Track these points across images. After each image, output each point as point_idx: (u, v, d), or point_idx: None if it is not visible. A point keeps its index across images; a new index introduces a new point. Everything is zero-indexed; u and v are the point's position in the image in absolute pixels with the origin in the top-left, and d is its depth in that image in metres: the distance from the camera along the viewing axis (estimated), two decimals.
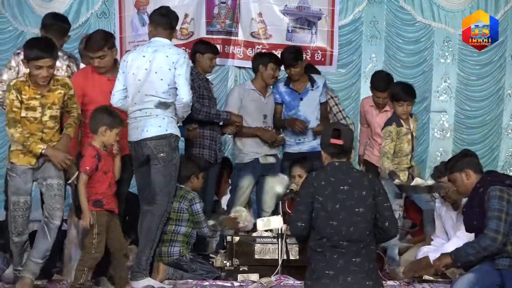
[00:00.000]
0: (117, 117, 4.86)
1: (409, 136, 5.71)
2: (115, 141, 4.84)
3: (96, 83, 5.20)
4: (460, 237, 5.03)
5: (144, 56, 5.16)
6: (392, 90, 5.88)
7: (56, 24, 5.49)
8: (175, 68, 5.10)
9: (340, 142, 4.06)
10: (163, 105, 5.09)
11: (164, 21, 5.25)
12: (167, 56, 5.11)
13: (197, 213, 5.32)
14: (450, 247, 4.82)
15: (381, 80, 6.26)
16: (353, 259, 3.94)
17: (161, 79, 5.10)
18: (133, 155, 5.20)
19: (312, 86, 6.28)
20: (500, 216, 4.28)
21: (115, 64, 5.30)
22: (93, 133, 4.86)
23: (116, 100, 5.23)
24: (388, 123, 5.75)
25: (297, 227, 4.08)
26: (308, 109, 6.24)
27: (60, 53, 5.21)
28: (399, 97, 5.74)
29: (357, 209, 3.99)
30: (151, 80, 5.11)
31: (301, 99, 6.26)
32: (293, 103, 6.26)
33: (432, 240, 5.58)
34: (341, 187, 4.01)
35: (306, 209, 4.02)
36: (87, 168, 4.70)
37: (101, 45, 5.14)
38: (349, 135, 4.17)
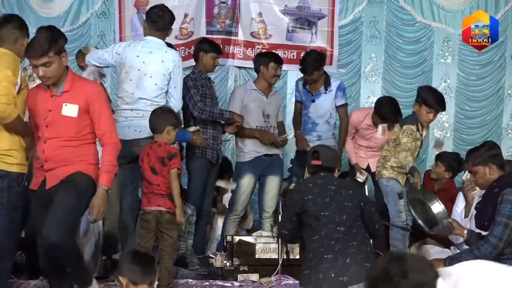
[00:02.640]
0: (178, 118, 5.03)
1: (418, 143, 5.59)
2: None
3: (39, 99, 4.15)
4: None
5: (138, 56, 5.21)
6: (426, 96, 5.55)
7: None
8: (170, 77, 5.20)
9: (318, 163, 4.36)
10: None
11: (160, 23, 5.29)
12: (162, 61, 5.18)
13: (193, 224, 5.61)
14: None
15: (394, 114, 6.03)
16: (350, 243, 4.08)
17: (155, 84, 5.20)
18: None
19: (326, 90, 6.27)
20: (508, 224, 4.11)
21: (66, 73, 4.11)
22: (156, 132, 4.86)
23: (94, 57, 5.36)
24: (408, 122, 5.53)
25: (281, 234, 4.57)
26: (318, 112, 6.25)
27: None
28: (431, 105, 5.50)
29: (346, 203, 4.19)
30: (145, 85, 5.18)
31: (313, 101, 6.26)
32: (306, 103, 6.29)
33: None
34: (329, 186, 4.25)
35: (291, 217, 4.32)
36: (179, 166, 4.82)
37: (46, 49, 3.95)
38: (329, 155, 4.43)
